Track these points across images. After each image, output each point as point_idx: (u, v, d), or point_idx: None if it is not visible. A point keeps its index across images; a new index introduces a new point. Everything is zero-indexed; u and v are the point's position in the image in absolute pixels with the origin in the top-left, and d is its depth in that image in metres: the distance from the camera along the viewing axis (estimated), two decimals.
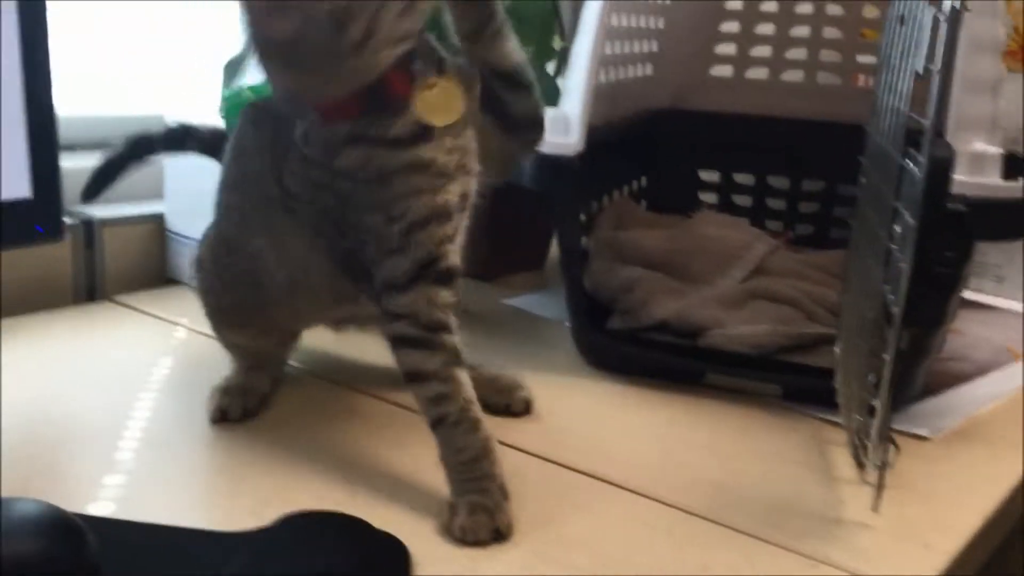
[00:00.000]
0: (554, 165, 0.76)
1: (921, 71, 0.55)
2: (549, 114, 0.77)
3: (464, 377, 0.58)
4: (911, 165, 0.55)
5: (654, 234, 0.93)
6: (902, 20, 0.62)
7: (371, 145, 0.58)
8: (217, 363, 0.74)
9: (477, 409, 0.57)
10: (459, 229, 0.62)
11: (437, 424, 0.57)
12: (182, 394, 0.73)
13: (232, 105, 0.88)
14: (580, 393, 0.78)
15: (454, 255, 0.60)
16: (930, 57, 0.54)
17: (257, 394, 0.71)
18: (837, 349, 0.74)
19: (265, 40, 0.57)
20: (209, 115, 1.05)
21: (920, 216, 0.51)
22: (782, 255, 0.94)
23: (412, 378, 0.58)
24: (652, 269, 0.89)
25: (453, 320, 0.59)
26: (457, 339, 0.59)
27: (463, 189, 0.61)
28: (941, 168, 0.52)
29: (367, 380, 0.77)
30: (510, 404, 0.72)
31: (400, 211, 0.58)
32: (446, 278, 0.59)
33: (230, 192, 0.69)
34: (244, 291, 0.69)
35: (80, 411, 0.69)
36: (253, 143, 0.67)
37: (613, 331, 0.84)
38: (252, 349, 0.73)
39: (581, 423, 0.72)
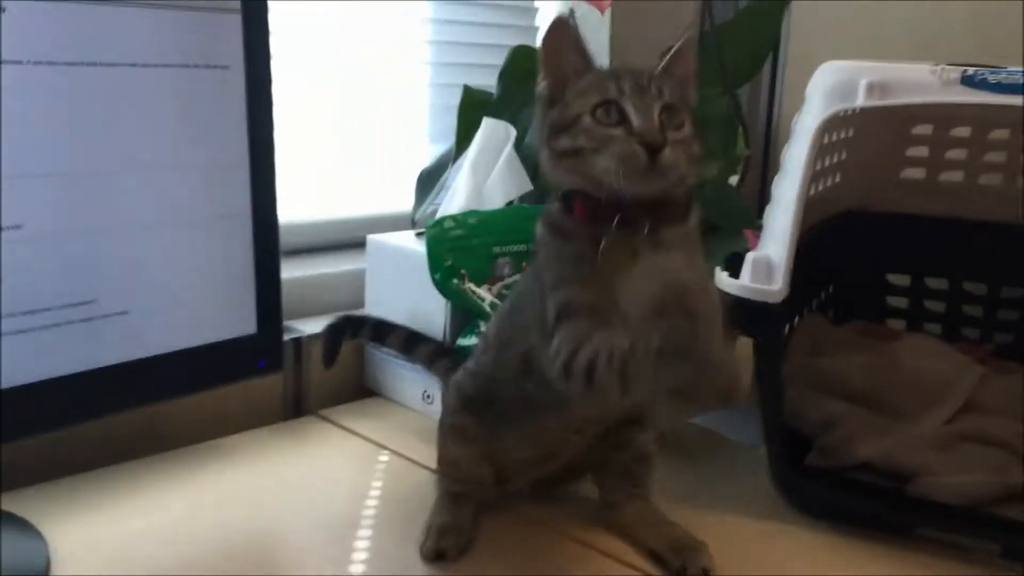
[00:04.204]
0: (756, 310, 0.76)
1: None
2: (750, 257, 0.77)
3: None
4: None
5: (853, 362, 0.91)
6: None
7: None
8: (424, 494, 0.78)
9: None
10: None
11: None
12: (395, 529, 0.76)
13: (433, 236, 0.91)
14: (780, 539, 0.77)
15: None
16: None
17: (468, 532, 0.74)
18: None
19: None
20: (405, 222, 1.10)
21: None
22: (991, 384, 0.90)
23: None
24: (852, 401, 0.87)
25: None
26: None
27: None
28: None
29: (560, 513, 0.79)
30: (686, 567, 0.70)
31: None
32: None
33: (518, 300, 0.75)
34: (496, 392, 0.73)
35: (298, 547, 0.73)
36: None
37: (812, 469, 0.83)
38: (463, 475, 0.76)
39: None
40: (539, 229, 0.68)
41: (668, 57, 0.67)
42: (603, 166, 0.61)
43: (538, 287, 0.67)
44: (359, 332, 0.93)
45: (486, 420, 0.74)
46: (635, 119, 0.62)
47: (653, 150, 0.60)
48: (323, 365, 0.91)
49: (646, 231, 0.63)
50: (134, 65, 0.69)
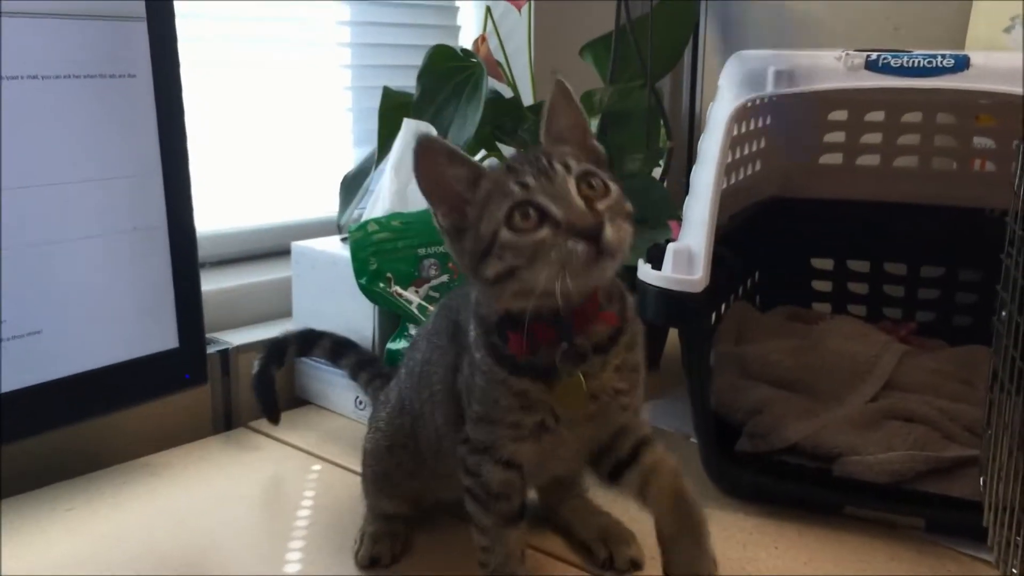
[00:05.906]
0: (679, 301, 0.76)
1: None
2: (671, 248, 0.77)
3: (512, 535, 0.64)
4: None
5: (779, 348, 0.92)
6: None
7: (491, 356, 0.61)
8: (358, 501, 0.77)
9: (516, 564, 0.64)
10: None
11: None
12: (329, 538, 0.75)
13: (357, 240, 0.90)
14: (712, 525, 0.77)
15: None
16: None
17: (401, 537, 0.74)
18: (983, 481, 0.72)
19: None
20: (331, 227, 1.09)
21: None
22: (912, 362, 0.92)
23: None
24: (779, 386, 0.88)
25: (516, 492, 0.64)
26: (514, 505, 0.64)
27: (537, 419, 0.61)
28: None
29: None
30: (613, 558, 0.70)
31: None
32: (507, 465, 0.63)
33: (412, 350, 0.73)
34: (402, 455, 0.72)
35: (230, 561, 0.72)
36: (443, 314, 0.69)
37: (743, 454, 0.84)
38: (392, 512, 0.75)
39: (721, 561, 0.72)
40: (473, 334, 0.62)
41: (545, 117, 0.60)
42: (545, 276, 0.53)
43: (449, 370, 0.65)
44: (283, 359, 0.91)
45: (414, 479, 0.73)
46: (557, 211, 0.54)
47: (592, 236, 0.53)
48: (269, 422, 0.92)
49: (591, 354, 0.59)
50: (36, 77, 0.67)
